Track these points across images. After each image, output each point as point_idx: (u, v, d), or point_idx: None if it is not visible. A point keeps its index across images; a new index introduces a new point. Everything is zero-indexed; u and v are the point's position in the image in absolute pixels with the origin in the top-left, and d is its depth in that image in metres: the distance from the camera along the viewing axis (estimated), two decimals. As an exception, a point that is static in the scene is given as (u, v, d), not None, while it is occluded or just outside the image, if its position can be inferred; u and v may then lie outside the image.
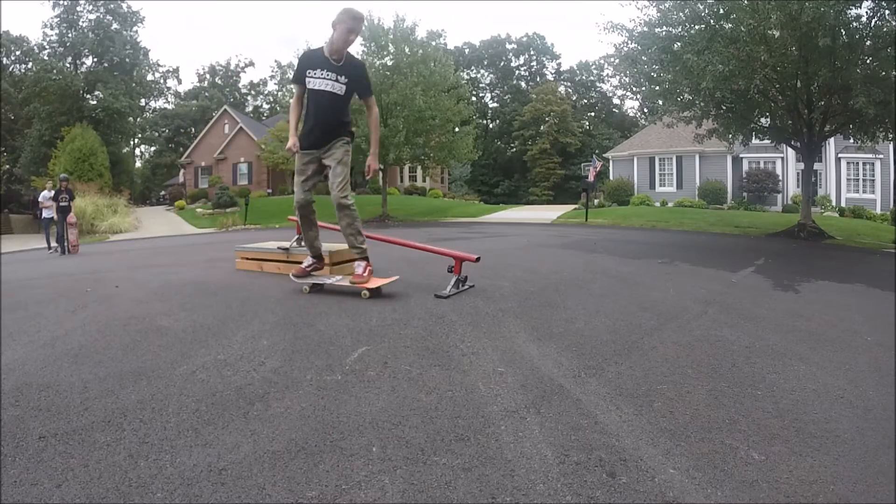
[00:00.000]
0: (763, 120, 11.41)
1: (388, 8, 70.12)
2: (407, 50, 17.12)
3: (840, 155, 20.94)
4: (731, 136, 11.75)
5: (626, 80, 10.83)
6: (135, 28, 31.72)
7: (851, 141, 12.92)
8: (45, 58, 29.89)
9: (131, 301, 3.46)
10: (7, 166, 32.85)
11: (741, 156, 21.78)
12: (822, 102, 10.02)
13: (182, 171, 33.99)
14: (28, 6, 64.57)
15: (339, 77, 3.28)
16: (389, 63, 17.05)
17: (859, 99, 7.95)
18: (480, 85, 51.61)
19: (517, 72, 52.56)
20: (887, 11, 7.98)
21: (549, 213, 19.08)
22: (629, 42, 10.16)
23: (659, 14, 9.69)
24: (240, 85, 50.72)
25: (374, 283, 3.39)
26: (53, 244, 11.22)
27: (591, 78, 50.97)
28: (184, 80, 73.63)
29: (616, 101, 49.48)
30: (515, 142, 46.85)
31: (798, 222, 11.37)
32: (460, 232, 11.17)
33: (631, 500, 1.28)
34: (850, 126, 10.41)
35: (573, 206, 22.60)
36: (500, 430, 1.62)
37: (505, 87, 52.11)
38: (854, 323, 3.22)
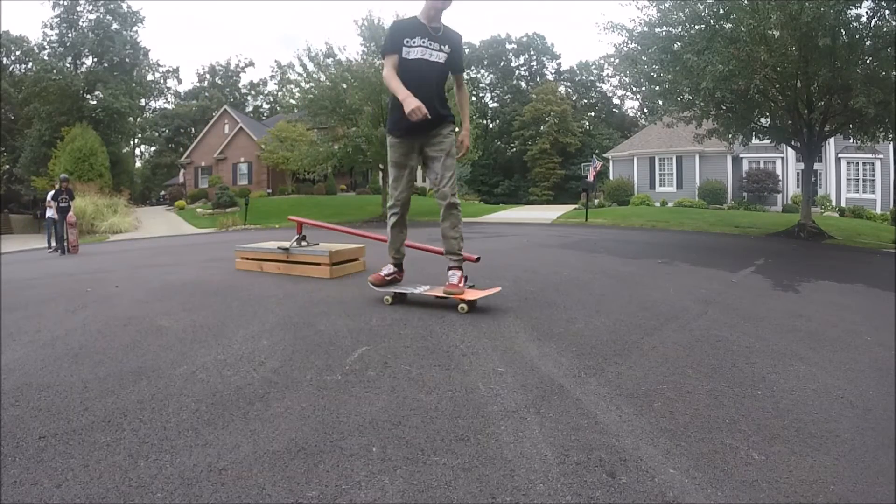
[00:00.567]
0: (763, 120, 11.41)
1: (389, 8, 70.23)
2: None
3: (840, 155, 20.95)
4: (731, 136, 11.75)
5: (626, 80, 10.83)
6: (135, 28, 31.84)
7: (851, 141, 12.92)
8: (45, 58, 29.94)
9: (131, 301, 3.46)
10: (7, 166, 32.87)
11: (741, 156, 21.79)
12: (822, 102, 10.02)
13: (182, 171, 34.03)
14: (28, 6, 64.79)
15: (442, 46, 2.88)
16: (389, 63, 17.04)
17: (859, 99, 7.95)
18: (480, 85, 51.63)
19: (517, 72, 52.61)
20: (887, 11, 7.98)
21: (549, 213, 19.08)
22: (629, 42, 10.16)
23: (659, 14, 9.69)
24: (240, 85, 50.83)
25: (472, 294, 3.00)
26: (53, 244, 11.22)
27: (591, 78, 51.01)
28: (184, 80, 73.88)
29: (616, 101, 49.60)
30: (515, 142, 46.88)
31: (798, 222, 11.37)
32: (460, 232, 11.13)
33: (631, 500, 1.28)
34: (850, 126, 10.41)
35: (573, 206, 22.60)
36: (500, 430, 1.62)
37: (505, 87, 52.14)
38: (854, 323, 3.21)
